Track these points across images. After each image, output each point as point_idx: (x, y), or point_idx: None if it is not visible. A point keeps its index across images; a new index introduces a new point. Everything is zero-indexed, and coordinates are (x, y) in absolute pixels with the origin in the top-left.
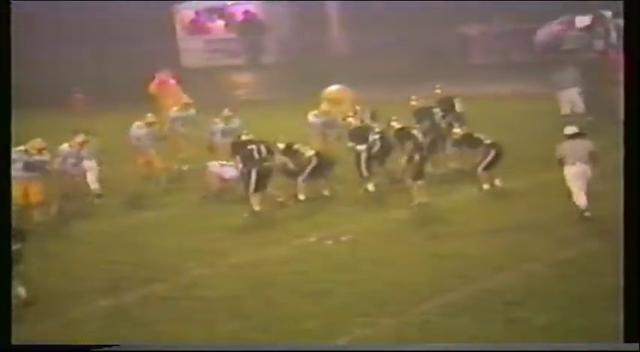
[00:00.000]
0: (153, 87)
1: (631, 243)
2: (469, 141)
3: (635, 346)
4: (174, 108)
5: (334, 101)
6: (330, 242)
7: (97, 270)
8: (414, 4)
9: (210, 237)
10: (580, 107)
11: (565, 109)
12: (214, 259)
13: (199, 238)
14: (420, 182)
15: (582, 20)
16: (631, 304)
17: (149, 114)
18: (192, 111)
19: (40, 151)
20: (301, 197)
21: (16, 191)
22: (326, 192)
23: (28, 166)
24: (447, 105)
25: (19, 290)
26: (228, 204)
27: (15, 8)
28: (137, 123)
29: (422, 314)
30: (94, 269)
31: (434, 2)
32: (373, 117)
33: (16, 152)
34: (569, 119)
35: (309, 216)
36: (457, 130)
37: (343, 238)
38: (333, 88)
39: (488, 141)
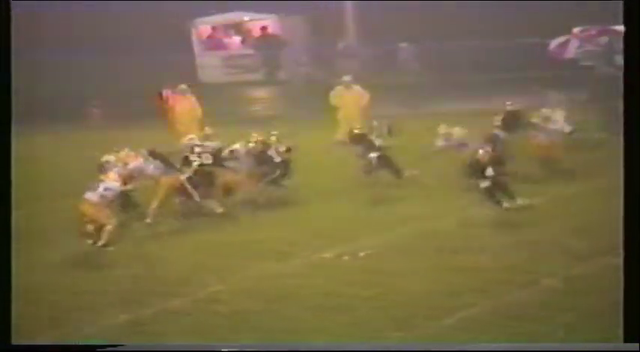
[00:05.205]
0: (161, 104)
1: (631, 246)
2: None
3: (635, 346)
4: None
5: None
6: (346, 257)
7: (113, 285)
8: (432, 17)
9: (225, 252)
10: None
11: None
12: (229, 274)
13: (214, 253)
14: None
15: (602, 39)
16: (631, 304)
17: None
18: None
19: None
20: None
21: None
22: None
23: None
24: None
25: None
26: (244, 221)
27: (30, 20)
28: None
29: (437, 329)
30: (111, 283)
31: (451, 16)
32: (390, 131)
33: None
34: None
35: (326, 231)
36: None
37: (361, 254)
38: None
39: None
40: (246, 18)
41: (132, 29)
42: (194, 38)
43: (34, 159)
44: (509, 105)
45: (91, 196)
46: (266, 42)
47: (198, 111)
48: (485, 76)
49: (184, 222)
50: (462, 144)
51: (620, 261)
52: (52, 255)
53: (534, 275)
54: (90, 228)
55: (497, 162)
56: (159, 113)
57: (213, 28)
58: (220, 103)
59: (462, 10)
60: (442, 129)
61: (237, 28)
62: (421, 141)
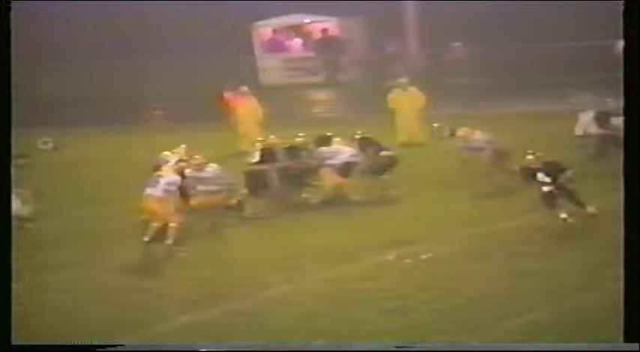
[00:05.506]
0: (222, 106)
1: (631, 245)
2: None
3: (635, 346)
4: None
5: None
6: (409, 260)
7: (179, 286)
8: (495, 19)
9: (291, 254)
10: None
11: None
12: (294, 276)
13: (280, 255)
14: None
15: None
16: (631, 304)
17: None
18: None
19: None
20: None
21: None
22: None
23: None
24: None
25: None
26: (309, 221)
27: (92, 25)
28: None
29: (504, 333)
30: (176, 285)
31: (512, 19)
32: (452, 133)
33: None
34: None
35: (389, 233)
36: None
37: (423, 256)
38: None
39: None
40: (306, 20)
41: (194, 31)
42: (255, 40)
43: (95, 161)
44: (607, 103)
45: (153, 192)
46: (327, 44)
47: (259, 113)
48: (544, 78)
49: (249, 223)
50: (479, 148)
51: None
52: (120, 256)
53: (598, 279)
54: (155, 225)
55: (554, 167)
56: (221, 115)
57: (274, 31)
58: (281, 105)
59: (517, 10)
60: (462, 132)
61: (298, 30)
62: None
